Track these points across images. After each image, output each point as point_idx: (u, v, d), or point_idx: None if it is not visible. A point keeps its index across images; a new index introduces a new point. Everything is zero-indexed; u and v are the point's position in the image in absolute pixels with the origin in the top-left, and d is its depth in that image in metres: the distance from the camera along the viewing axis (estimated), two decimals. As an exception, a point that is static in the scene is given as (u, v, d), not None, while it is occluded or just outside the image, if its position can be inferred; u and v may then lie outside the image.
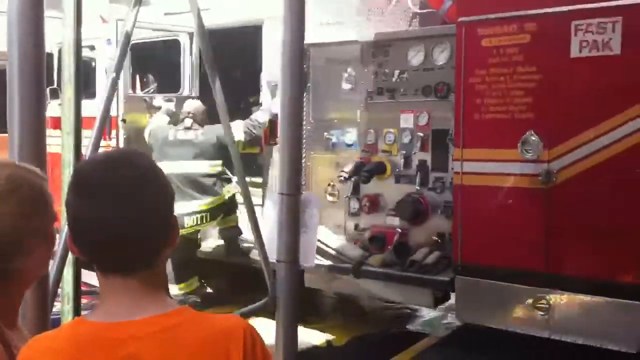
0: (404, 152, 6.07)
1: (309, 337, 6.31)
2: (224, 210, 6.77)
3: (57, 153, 4.62)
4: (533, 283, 5.09)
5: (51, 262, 2.85)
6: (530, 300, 5.10)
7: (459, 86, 5.39)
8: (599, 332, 4.85)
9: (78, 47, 3.67)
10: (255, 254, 6.56)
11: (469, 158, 5.37)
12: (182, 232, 6.51)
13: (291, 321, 3.68)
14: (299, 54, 4.00)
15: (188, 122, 6.73)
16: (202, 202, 6.59)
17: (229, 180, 6.67)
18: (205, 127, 6.71)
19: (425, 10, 6.44)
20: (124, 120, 6.97)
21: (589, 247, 4.87)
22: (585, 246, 4.89)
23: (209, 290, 7.58)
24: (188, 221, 6.51)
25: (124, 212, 1.42)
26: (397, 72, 6.08)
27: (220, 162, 6.62)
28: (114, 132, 7.21)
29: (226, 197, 6.71)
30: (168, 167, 6.31)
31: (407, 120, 6.02)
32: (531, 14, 5.02)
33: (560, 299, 4.99)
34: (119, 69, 4.42)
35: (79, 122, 3.78)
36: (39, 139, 2.82)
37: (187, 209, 6.49)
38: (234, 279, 7.39)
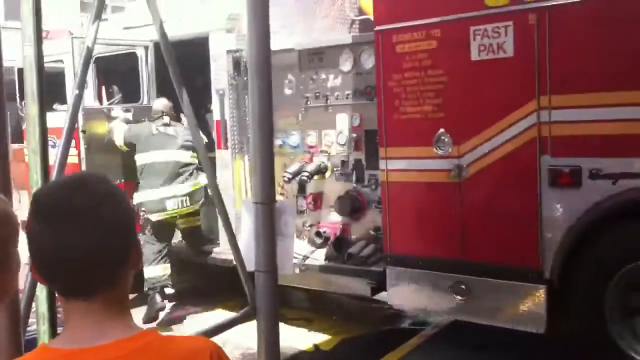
0: (341, 152, 6.46)
1: (296, 341, 6.40)
2: (201, 196, 7.26)
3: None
4: (451, 270, 5.47)
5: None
6: (450, 286, 5.49)
7: (380, 89, 5.78)
8: (510, 314, 5.23)
9: (40, 63, 3.58)
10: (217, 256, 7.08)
11: (391, 156, 5.76)
12: (163, 215, 7.06)
13: (272, 330, 3.62)
14: (265, 65, 3.89)
15: (166, 119, 7.21)
16: (183, 187, 7.09)
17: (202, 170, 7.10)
18: (179, 124, 7.18)
19: (361, 17, 6.81)
20: (83, 132, 7.42)
21: (494, 236, 5.24)
22: (491, 234, 5.26)
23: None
24: (170, 204, 7.00)
25: (82, 237, 1.42)
26: (331, 76, 6.47)
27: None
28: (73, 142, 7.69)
29: (202, 185, 7.20)
30: (154, 155, 7.08)
31: (342, 122, 6.42)
32: (436, 21, 5.38)
33: (476, 284, 5.37)
34: (81, 84, 4.37)
35: (45, 141, 3.69)
36: (3, 165, 2.84)
37: (168, 193, 7.00)
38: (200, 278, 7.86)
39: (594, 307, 4.85)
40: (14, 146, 14.09)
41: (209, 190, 6.37)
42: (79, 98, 4.30)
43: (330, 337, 6.59)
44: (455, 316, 5.61)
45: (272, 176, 3.76)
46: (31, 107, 3.69)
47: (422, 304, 5.74)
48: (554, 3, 4.79)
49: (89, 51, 4.35)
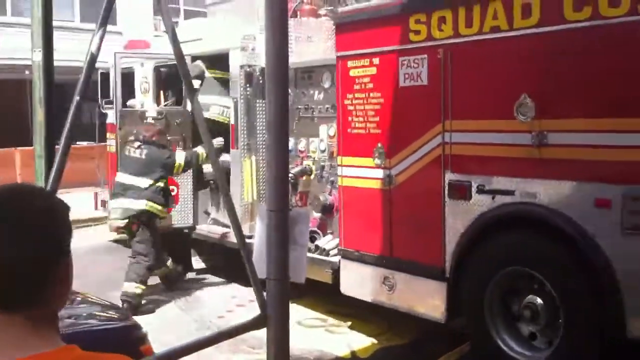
0: (322, 157, 7.50)
1: (333, 347, 6.56)
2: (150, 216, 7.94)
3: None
4: (382, 265, 6.39)
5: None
6: (381, 279, 6.41)
7: (338, 106, 6.77)
8: (423, 306, 6.08)
9: (49, 70, 3.68)
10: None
11: (344, 164, 6.75)
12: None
13: (283, 338, 3.54)
14: (283, 77, 3.65)
15: (136, 143, 8.12)
16: (136, 204, 7.79)
17: None
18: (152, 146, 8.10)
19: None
20: (120, 129, 8.89)
21: (413, 237, 6.11)
22: (411, 236, 6.13)
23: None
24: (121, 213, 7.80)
25: (4, 246, 1.39)
26: (316, 92, 7.52)
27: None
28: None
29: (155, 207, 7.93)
30: (121, 176, 8.02)
31: (323, 132, 7.44)
32: (376, 51, 6.30)
33: (399, 278, 6.26)
34: (82, 90, 4.03)
35: (51, 147, 3.82)
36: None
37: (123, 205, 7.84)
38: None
39: (477, 306, 5.61)
40: (82, 144, 16.18)
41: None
42: (79, 105, 4.50)
43: (369, 344, 6.66)
44: (385, 305, 6.47)
45: (286, 184, 3.63)
46: (38, 112, 3.91)
47: (362, 293, 6.66)
48: (455, 41, 5.58)
49: (93, 57, 4.01)
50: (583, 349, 4.91)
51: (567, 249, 4.93)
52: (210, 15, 10.15)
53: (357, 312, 7.23)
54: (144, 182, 7.83)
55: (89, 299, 4.62)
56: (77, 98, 3.66)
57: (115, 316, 4.38)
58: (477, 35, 5.42)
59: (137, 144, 8.07)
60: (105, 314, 4.39)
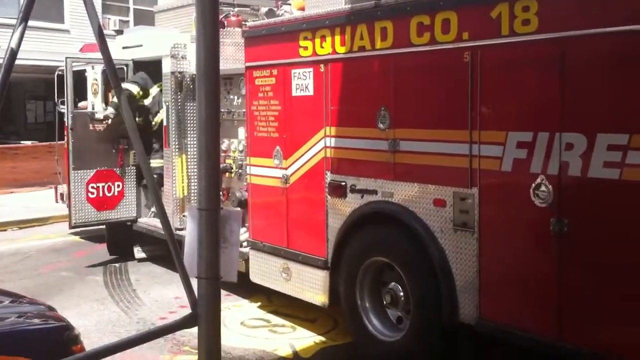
0: (240, 157, 8.23)
1: (276, 347, 6.76)
2: None
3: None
4: (281, 255, 7.12)
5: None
6: (280, 268, 7.14)
7: (247, 112, 7.50)
8: (311, 292, 6.80)
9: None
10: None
11: (251, 164, 7.48)
12: None
13: (214, 338, 3.51)
14: (214, 71, 3.54)
15: None
16: None
17: None
18: None
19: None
20: (72, 129, 9.65)
21: (303, 230, 6.84)
22: (301, 229, 6.86)
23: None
24: None
25: None
26: (235, 97, 8.25)
27: None
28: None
29: None
30: None
31: (241, 133, 8.17)
32: (274, 63, 7.02)
33: (293, 268, 6.99)
34: (2, 87, 3.59)
35: None
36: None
37: None
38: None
39: (350, 294, 6.33)
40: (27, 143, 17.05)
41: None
42: None
43: (312, 344, 6.84)
44: (283, 292, 7.20)
45: (217, 182, 3.62)
46: None
47: (266, 281, 7.40)
48: (333, 57, 6.30)
49: (13, 52, 3.62)
50: (427, 330, 5.64)
51: (412, 241, 5.65)
52: (157, 21, 10.86)
53: (303, 312, 7.53)
54: None
55: (24, 300, 4.90)
56: None
57: (48, 317, 4.51)
58: (348, 53, 6.14)
59: None
60: (37, 315, 4.56)
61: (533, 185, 4.72)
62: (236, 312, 7.85)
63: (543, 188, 4.67)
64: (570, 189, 4.55)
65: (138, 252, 10.09)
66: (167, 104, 8.98)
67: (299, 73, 6.70)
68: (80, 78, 11.01)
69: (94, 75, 10.68)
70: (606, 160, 4.35)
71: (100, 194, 9.77)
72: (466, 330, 5.42)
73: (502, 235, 5.03)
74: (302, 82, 6.67)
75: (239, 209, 7.96)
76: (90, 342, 6.18)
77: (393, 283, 6.07)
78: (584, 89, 4.48)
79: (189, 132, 8.93)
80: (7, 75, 3.10)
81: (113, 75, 3.59)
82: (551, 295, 4.70)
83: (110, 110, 9.66)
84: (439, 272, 5.45)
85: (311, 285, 6.76)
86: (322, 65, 6.42)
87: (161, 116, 9.42)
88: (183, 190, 9.02)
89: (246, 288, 7.90)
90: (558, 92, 4.57)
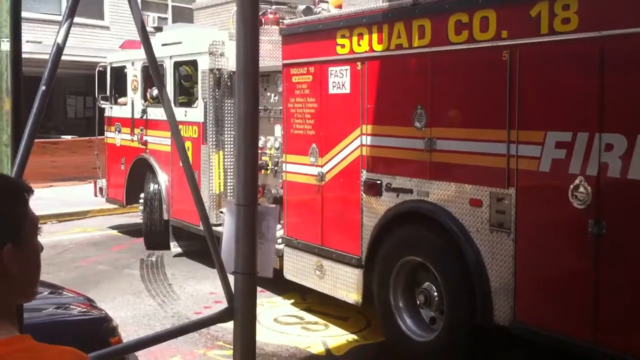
0: (276, 154, 8.28)
1: (309, 345, 6.76)
2: None
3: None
4: (315, 253, 7.14)
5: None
6: (314, 265, 7.17)
7: (284, 109, 7.53)
8: (345, 290, 6.80)
9: (17, 59, 3.53)
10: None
11: (288, 161, 7.51)
12: None
13: (249, 332, 3.54)
14: (253, 69, 3.60)
15: None
16: None
17: None
18: None
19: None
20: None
21: (338, 228, 6.85)
22: (336, 227, 6.87)
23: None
24: None
25: None
26: (272, 94, 8.28)
27: None
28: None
29: None
30: None
31: (277, 131, 8.21)
32: (311, 60, 7.03)
33: (327, 265, 7.00)
34: (49, 80, 3.92)
35: (18, 135, 3.67)
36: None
37: None
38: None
39: (383, 293, 6.33)
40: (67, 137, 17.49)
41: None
42: (45, 94, 3.74)
43: (344, 342, 6.85)
44: (317, 290, 7.22)
45: (255, 179, 3.64)
46: (5, 102, 3.59)
47: (300, 278, 7.43)
48: (370, 55, 6.30)
49: (59, 48, 3.76)
50: (460, 331, 5.60)
51: (447, 241, 5.62)
52: (196, 18, 10.96)
53: (336, 310, 7.57)
54: None
55: (63, 292, 5.03)
56: (43, 88, 3.55)
57: (87, 308, 4.65)
58: (385, 52, 6.12)
59: None
60: (77, 306, 4.70)
61: (571, 186, 4.66)
62: (270, 308, 7.90)
63: (581, 189, 4.61)
64: (609, 191, 4.48)
65: (174, 247, 10.20)
66: (205, 100, 9.06)
67: (336, 71, 6.71)
68: (120, 74, 11.19)
69: (134, 72, 10.83)
70: (647, 162, 4.27)
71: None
72: (501, 332, 5.36)
73: (538, 237, 4.97)
74: (339, 80, 6.68)
75: (275, 205, 7.99)
76: (127, 334, 6.28)
77: (427, 283, 6.04)
78: (624, 88, 4.41)
79: (226, 128, 9.00)
80: (54, 69, 3.18)
81: (156, 73, 3.67)
82: (588, 298, 4.64)
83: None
84: (474, 273, 5.41)
85: (344, 284, 6.76)
86: (359, 63, 6.41)
87: None
88: (220, 186, 9.09)
89: (280, 285, 7.95)
90: (598, 91, 4.50)
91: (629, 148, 4.35)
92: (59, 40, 3.30)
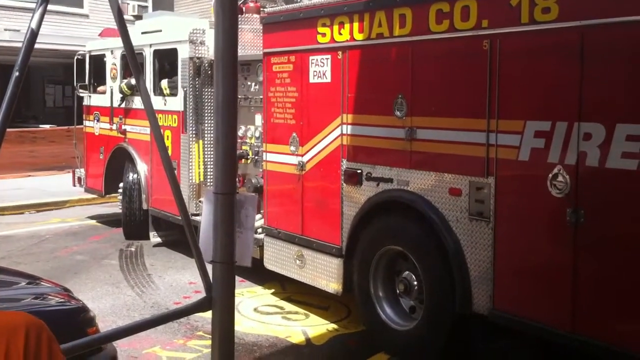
0: (256, 143, 8.24)
1: (289, 334, 6.76)
2: None
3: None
4: (295, 242, 7.12)
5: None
6: (294, 255, 7.15)
7: (264, 98, 7.49)
8: (325, 280, 6.80)
9: None
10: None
11: (268, 150, 7.48)
12: None
13: (227, 322, 3.53)
14: (232, 56, 3.66)
15: None
16: None
17: None
18: None
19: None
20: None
21: (317, 218, 6.83)
22: (316, 217, 6.85)
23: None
24: None
25: None
26: (253, 83, 8.24)
27: None
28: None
29: None
30: None
31: (258, 120, 8.17)
32: (292, 49, 7.00)
33: (307, 255, 6.99)
34: (22, 67, 3.74)
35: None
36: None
37: None
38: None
39: (363, 282, 6.33)
40: (45, 127, 17.39)
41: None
42: (18, 80, 3.56)
43: (325, 331, 6.84)
44: (297, 279, 7.21)
45: (234, 167, 3.64)
46: None
47: (280, 267, 7.41)
48: (351, 44, 6.27)
49: (33, 33, 3.60)
50: (439, 319, 5.62)
51: (427, 230, 5.63)
52: (176, 6, 10.87)
53: (317, 299, 7.59)
54: None
55: (41, 282, 4.98)
56: (16, 74, 3.43)
57: (64, 299, 4.60)
58: (366, 41, 6.10)
59: None
60: (54, 297, 4.64)
61: (550, 175, 4.68)
62: (250, 298, 7.88)
63: (560, 178, 4.63)
64: (588, 180, 4.50)
65: (154, 237, 10.14)
66: (184, 89, 8.99)
67: (317, 60, 6.68)
68: (99, 63, 11.08)
69: (113, 60, 10.72)
70: (625, 151, 4.30)
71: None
72: (479, 321, 5.39)
73: (517, 225, 4.99)
74: (320, 69, 6.65)
75: (254, 194, 7.96)
76: (105, 325, 6.24)
77: (407, 272, 6.06)
78: (604, 78, 4.43)
79: (206, 118, 8.95)
80: (28, 55, 3.11)
81: (133, 61, 3.62)
82: (566, 286, 4.67)
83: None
84: (453, 262, 5.42)
85: (325, 273, 6.76)
86: (339, 52, 6.39)
87: None
88: (199, 175, 9.04)
89: (260, 275, 7.93)
90: (577, 81, 4.51)
91: (608, 137, 4.37)
92: (33, 25, 3.22)
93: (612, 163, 4.36)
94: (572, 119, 4.54)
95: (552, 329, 4.79)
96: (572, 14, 4.53)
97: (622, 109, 4.36)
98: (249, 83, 8.32)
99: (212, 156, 8.55)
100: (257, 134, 8.22)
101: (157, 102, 9.21)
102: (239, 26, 8.40)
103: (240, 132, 8.42)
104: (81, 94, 11.80)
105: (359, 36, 6.18)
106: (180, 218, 8.73)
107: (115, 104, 10.64)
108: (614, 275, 4.45)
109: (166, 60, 9.68)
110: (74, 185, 12.61)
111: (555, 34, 4.65)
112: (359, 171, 6.27)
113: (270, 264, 7.55)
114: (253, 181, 8.08)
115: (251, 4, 8.77)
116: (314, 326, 7.00)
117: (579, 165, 4.53)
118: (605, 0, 4.46)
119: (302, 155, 6.94)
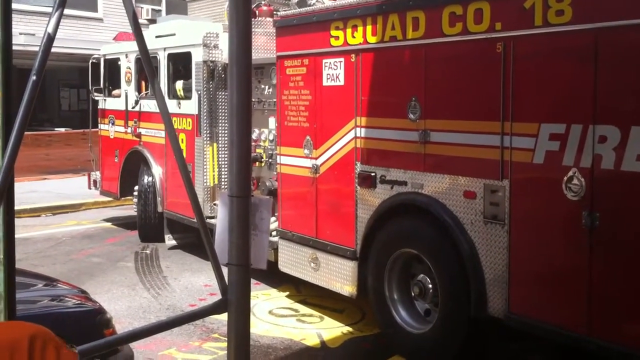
0: (270, 146, 8.26)
1: (304, 337, 6.75)
2: None
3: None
4: (309, 245, 7.14)
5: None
6: (309, 257, 7.17)
7: (278, 101, 7.51)
8: (340, 283, 6.81)
9: (8, 52, 3.46)
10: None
11: (282, 153, 7.50)
12: None
13: (243, 324, 3.55)
14: (245, 60, 3.70)
15: None
16: None
17: None
18: None
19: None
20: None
21: (332, 221, 6.85)
22: (330, 220, 6.87)
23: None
24: None
25: None
26: (266, 87, 8.27)
27: None
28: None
29: None
30: None
31: (272, 123, 8.20)
32: (305, 52, 7.02)
33: (322, 258, 7.00)
34: (40, 71, 3.64)
35: (9, 127, 3.51)
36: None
37: None
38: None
39: (378, 285, 6.33)
40: (60, 130, 17.57)
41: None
42: (35, 84, 3.54)
43: (339, 334, 6.86)
44: (311, 282, 7.22)
45: (248, 170, 3.65)
46: None
47: (295, 270, 7.43)
48: (364, 47, 6.28)
49: (50, 37, 3.54)
50: (455, 323, 5.62)
51: (441, 233, 5.63)
52: (190, 10, 10.92)
53: (331, 302, 7.62)
54: None
55: (58, 284, 5.06)
56: (33, 78, 3.42)
57: (81, 300, 4.67)
58: (380, 44, 6.11)
59: None
60: (71, 298, 4.72)
61: (565, 178, 4.67)
62: (265, 300, 7.90)
63: (575, 181, 4.61)
64: (603, 183, 4.49)
65: (169, 240, 10.19)
66: (198, 92, 9.03)
67: (330, 63, 6.70)
68: (113, 67, 11.15)
69: (127, 64, 10.79)
70: (640, 154, 4.28)
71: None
72: (495, 324, 5.38)
73: (532, 229, 4.98)
74: (333, 72, 6.66)
75: (269, 196, 7.98)
76: (121, 326, 6.29)
77: (422, 275, 6.05)
78: (618, 81, 4.41)
79: (220, 121, 8.98)
80: (45, 59, 3.16)
81: (148, 64, 3.61)
82: (581, 289, 4.65)
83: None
84: (468, 265, 5.41)
85: (339, 276, 6.77)
86: (353, 55, 6.40)
87: None
88: (214, 178, 9.08)
89: (275, 277, 7.95)
90: (592, 84, 4.50)
91: (623, 140, 4.35)
92: (50, 30, 3.25)
93: (627, 166, 4.34)
94: (587, 122, 4.53)
95: (567, 332, 4.78)
96: (586, 16, 4.52)
97: (637, 112, 4.34)
98: (262, 86, 8.35)
99: (226, 159, 8.64)
100: (271, 137, 8.25)
101: (171, 106, 9.25)
102: (252, 30, 8.43)
103: (254, 135, 8.45)
104: (96, 98, 11.88)
105: (372, 39, 6.19)
106: (195, 221, 8.94)
107: (130, 107, 10.70)
108: (630, 278, 4.43)
109: (180, 64, 9.72)
110: (90, 188, 12.70)
111: (569, 37, 4.64)
112: (372, 174, 6.28)
113: (284, 266, 7.57)
114: (267, 184, 8.10)
115: (264, 7, 8.82)
116: (328, 329, 7.01)
117: (594, 168, 4.52)
118: (620, 3, 4.44)
119: (316, 159, 6.96)
